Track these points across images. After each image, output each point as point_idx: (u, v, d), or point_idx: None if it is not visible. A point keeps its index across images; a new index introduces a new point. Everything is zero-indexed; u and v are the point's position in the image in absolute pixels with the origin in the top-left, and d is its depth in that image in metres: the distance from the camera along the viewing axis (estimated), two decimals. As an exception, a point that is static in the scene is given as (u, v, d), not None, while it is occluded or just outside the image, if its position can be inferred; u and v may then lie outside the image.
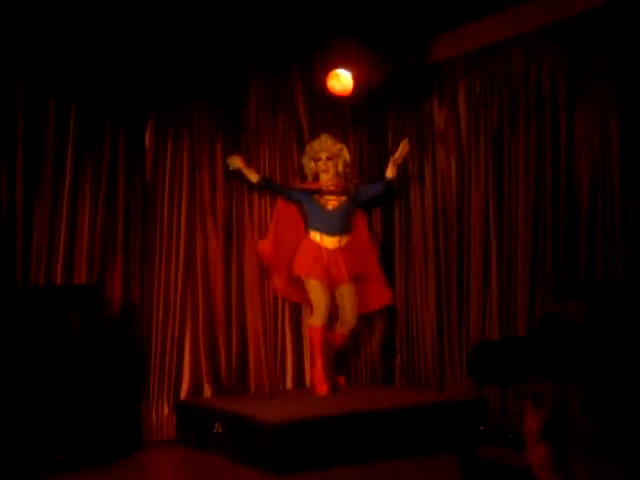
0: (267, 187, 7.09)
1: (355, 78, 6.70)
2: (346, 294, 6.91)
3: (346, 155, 7.04)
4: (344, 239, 6.91)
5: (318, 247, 6.88)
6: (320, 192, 6.95)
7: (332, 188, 6.95)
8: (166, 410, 6.63)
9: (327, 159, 6.95)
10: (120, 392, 6.37)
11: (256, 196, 7.18)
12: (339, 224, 6.91)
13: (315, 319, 6.83)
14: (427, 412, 6.20)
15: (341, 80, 6.74)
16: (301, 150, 7.29)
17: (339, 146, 7.03)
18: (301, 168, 7.23)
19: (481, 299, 6.51)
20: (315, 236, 6.93)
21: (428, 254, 7.01)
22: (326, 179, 6.97)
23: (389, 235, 7.44)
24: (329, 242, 6.88)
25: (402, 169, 7.18)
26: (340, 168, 6.99)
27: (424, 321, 7.05)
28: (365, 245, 7.17)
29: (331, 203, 6.92)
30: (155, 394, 6.64)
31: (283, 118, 7.28)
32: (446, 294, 6.83)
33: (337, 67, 6.70)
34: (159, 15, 6.16)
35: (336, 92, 6.79)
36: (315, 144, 7.02)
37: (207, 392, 6.83)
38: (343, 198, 6.95)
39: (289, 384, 7.20)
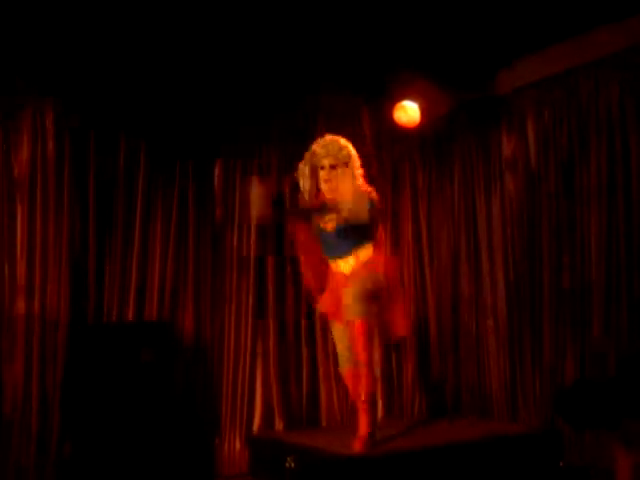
0: None
1: (422, 110, 6.68)
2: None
3: (355, 163, 5.60)
4: (362, 253, 5.62)
5: (336, 275, 5.68)
6: (321, 210, 5.61)
7: (334, 205, 5.56)
8: (238, 444, 6.66)
9: (331, 168, 5.57)
10: (193, 427, 6.42)
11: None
12: (346, 243, 5.60)
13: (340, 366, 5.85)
14: (498, 445, 6.10)
15: (408, 112, 6.72)
16: (370, 184, 7.22)
17: (346, 151, 5.60)
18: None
19: (554, 329, 6.42)
20: (332, 263, 5.72)
21: (498, 285, 6.93)
22: (328, 193, 5.59)
23: (456, 265, 7.34)
24: (344, 266, 5.64)
25: (470, 200, 7.13)
26: (346, 180, 5.56)
27: (494, 350, 6.97)
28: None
29: (329, 224, 5.58)
30: (227, 428, 6.68)
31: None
32: (518, 324, 6.74)
33: (404, 99, 6.69)
34: (226, 52, 6.22)
35: (403, 124, 6.77)
36: (318, 148, 5.62)
37: (279, 425, 6.84)
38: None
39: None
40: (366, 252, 5.60)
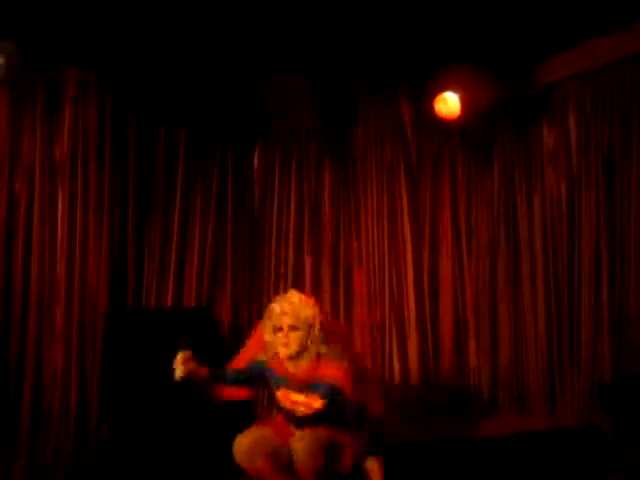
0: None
1: (463, 101, 6.65)
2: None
3: (317, 324, 4.71)
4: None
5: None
6: (283, 382, 4.82)
7: (297, 378, 4.75)
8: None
9: (289, 329, 4.67)
10: (229, 414, 6.43)
11: (363, 224, 7.22)
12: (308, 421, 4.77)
13: None
14: (537, 439, 6.06)
15: (448, 103, 6.69)
16: (410, 175, 7.31)
17: (310, 312, 4.71)
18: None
19: (592, 322, 6.37)
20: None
21: (537, 280, 6.89)
22: (284, 356, 4.73)
23: (494, 260, 7.30)
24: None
25: (510, 194, 7.09)
26: (309, 345, 4.69)
27: (532, 345, 6.93)
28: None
29: (300, 410, 4.74)
30: (263, 415, 6.69)
31: (391, 141, 7.28)
32: (556, 320, 6.69)
33: (445, 90, 6.67)
34: (268, 43, 6.24)
35: (443, 116, 6.74)
36: (275, 304, 4.77)
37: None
38: (318, 403, 4.71)
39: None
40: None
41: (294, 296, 4.81)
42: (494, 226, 7.27)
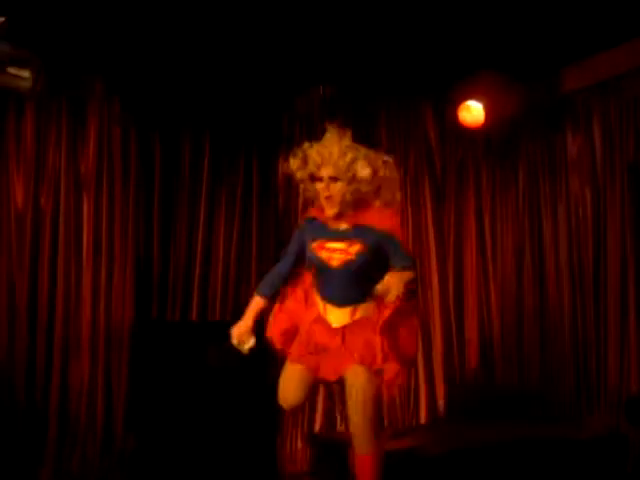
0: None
1: (487, 110, 6.64)
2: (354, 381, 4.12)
3: (364, 172, 4.06)
4: (360, 311, 4.17)
5: (318, 320, 4.27)
6: (322, 232, 4.22)
7: (339, 228, 4.18)
8: (300, 443, 6.67)
9: (330, 180, 4.08)
10: (255, 425, 6.45)
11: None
12: (349, 287, 4.16)
13: None
14: (564, 447, 6.03)
15: (472, 112, 6.67)
16: (434, 185, 7.29)
17: (351, 156, 4.06)
18: None
19: (619, 332, 6.33)
20: (318, 302, 4.29)
21: (563, 288, 6.85)
22: (329, 212, 4.14)
23: (520, 267, 7.26)
24: (335, 317, 4.21)
25: (535, 201, 7.06)
26: (349, 196, 4.09)
27: (559, 355, 6.89)
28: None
29: (336, 257, 4.15)
30: (289, 427, 6.70)
31: (415, 151, 7.27)
32: (582, 326, 6.65)
33: (468, 99, 6.65)
34: (289, 47, 6.23)
35: (467, 124, 6.73)
36: (313, 151, 4.13)
37: (341, 426, 6.84)
38: (357, 246, 4.10)
39: (422, 420, 7.12)
40: (365, 309, 4.17)
41: (335, 140, 4.13)
42: (519, 234, 7.24)
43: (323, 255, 4.17)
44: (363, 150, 4.12)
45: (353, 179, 4.05)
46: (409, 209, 7.22)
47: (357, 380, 4.07)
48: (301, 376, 4.29)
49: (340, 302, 4.19)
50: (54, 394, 6.14)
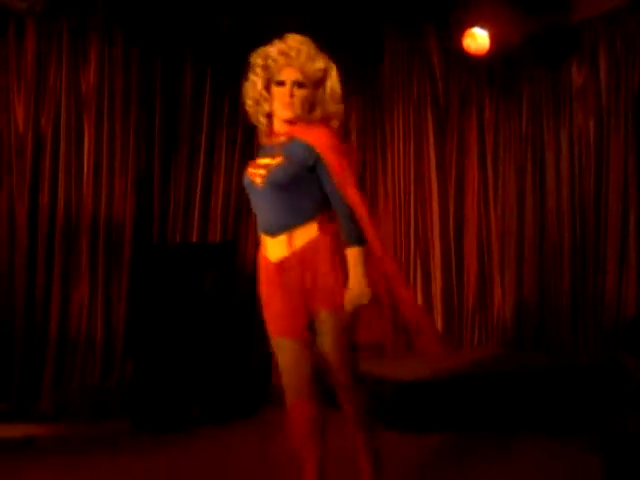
0: None
1: (491, 38, 6.56)
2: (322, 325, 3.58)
3: (334, 83, 3.68)
4: (298, 237, 3.57)
5: (265, 262, 3.70)
6: (260, 152, 3.79)
7: (274, 143, 3.71)
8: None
9: (294, 85, 3.62)
10: (251, 349, 6.51)
11: (389, 162, 7.22)
12: (279, 210, 3.58)
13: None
14: (559, 375, 6.07)
15: (477, 39, 6.60)
16: (437, 114, 7.23)
17: (323, 63, 3.66)
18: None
19: (618, 263, 6.34)
20: (262, 238, 3.72)
21: (563, 218, 6.84)
22: (283, 114, 3.65)
23: (522, 198, 7.24)
24: (272, 249, 3.63)
25: (538, 132, 7.01)
26: (308, 105, 3.65)
27: (557, 287, 6.91)
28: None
29: (259, 173, 3.64)
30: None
31: (418, 79, 7.21)
32: (581, 258, 6.66)
33: (473, 26, 6.57)
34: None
35: (471, 52, 6.66)
36: (274, 50, 3.69)
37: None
38: (279, 159, 3.60)
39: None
40: (305, 233, 3.57)
41: (299, 41, 3.69)
42: (521, 163, 7.21)
43: (250, 174, 3.68)
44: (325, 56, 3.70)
45: (318, 87, 3.65)
46: (412, 137, 7.20)
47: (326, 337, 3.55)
48: (289, 351, 3.61)
49: (273, 230, 3.59)
50: (54, 317, 6.17)
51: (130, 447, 5.30)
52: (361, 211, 3.52)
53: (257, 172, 3.63)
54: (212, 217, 6.67)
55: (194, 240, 6.58)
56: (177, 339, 5.87)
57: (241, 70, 6.09)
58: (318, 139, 3.57)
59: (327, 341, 3.55)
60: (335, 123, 3.71)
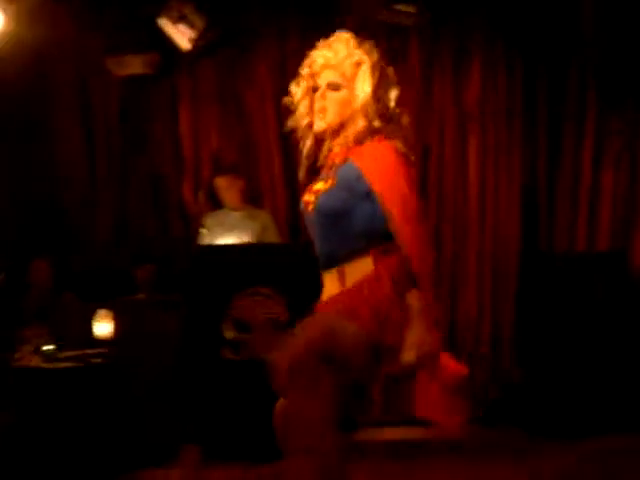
0: None
1: None
2: None
3: (364, 80, 2.97)
4: (350, 273, 2.94)
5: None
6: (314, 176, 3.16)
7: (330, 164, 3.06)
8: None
9: (329, 87, 3.00)
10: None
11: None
12: (328, 241, 3.01)
13: None
14: None
15: None
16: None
17: (358, 55, 2.98)
18: None
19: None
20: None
21: None
22: (316, 127, 3.05)
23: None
24: (325, 286, 3.04)
25: None
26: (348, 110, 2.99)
27: None
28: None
29: (311, 200, 3.05)
30: None
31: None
32: None
33: None
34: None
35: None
36: (316, 53, 3.07)
37: None
38: (329, 182, 2.99)
39: None
40: (357, 269, 2.94)
41: (338, 37, 3.06)
42: None
43: (304, 201, 3.10)
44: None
45: (358, 89, 2.97)
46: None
47: None
48: None
49: (324, 264, 3.05)
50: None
51: (525, 454, 5.25)
52: (418, 254, 2.84)
53: (309, 199, 3.06)
54: (599, 224, 6.45)
55: (580, 248, 6.42)
56: (567, 348, 5.76)
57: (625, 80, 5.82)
58: (368, 161, 2.93)
59: None
60: (396, 141, 2.94)
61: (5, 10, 5.85)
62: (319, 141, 3.06)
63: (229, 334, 5.00)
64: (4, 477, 4.50)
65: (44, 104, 6.84)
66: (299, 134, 3.08)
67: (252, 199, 6.21)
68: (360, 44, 3.00)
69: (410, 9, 6.05)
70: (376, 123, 2.93)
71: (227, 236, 5.90)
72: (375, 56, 2.98)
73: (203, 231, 5.93)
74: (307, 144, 3.08)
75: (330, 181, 2.96)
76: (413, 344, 2.75)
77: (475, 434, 5.73)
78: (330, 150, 3.04)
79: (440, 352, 2.81)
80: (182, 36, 6.22)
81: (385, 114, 2.95)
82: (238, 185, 6.08)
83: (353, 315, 2.82)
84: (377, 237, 2.90)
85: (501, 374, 6.32)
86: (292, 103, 3.08)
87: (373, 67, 2.96)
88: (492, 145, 6.39)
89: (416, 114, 6.33)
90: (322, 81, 2.99)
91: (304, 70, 3.06)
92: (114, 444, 5.06)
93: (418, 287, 2.79)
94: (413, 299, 2.79)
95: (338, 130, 2.99)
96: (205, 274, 5.38)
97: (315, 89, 3.02)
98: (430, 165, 6.41)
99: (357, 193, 2.90)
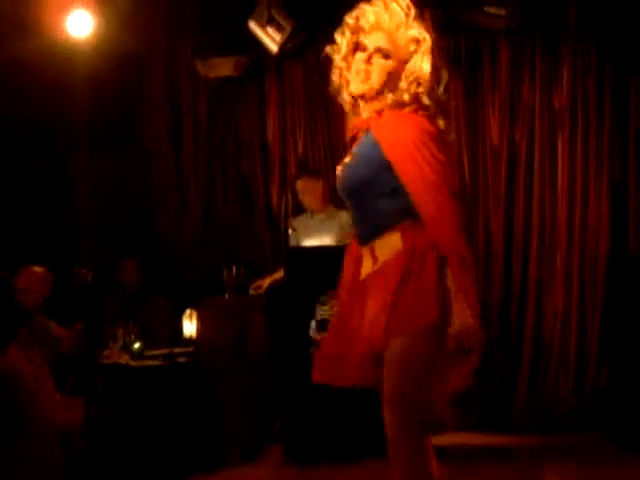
0: None
1: None
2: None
3: (422, 57, 2.90)
4: (379, 250, 2.90)
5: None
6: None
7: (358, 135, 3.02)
8: None
9: (378, 52, 2.90)
10: None
11: None
12: (358, 218, 3.02)
13: None
14: None
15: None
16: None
17: (417, 32, 2.90)
18: None
19: None
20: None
21: None
22: (352, 88, 2.97)
23: None
24: (363, 264, 2.98)
25: None
26: (401, 78, 2.91)
27: None
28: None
29: (340, 168, 3.04)
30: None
31: None
32: None
33: None
34: None
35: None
36: (369, 9, 2.94)
37: None
38: (349, 157, 3.02)
39: None
40: (386, 246, 2.88)
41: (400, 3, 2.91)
42: None
43: (337, 173, 3.04)
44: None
45: (406, 63, 2.88)
46: None
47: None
48: None
49: (361, 239, 2.98)
50: (529, 324, 6.31)
51: (606, 461, 5.17)
52: (440, 229, 2.75)
53: (339, 172, 3.02)
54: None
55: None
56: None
57: None
58: (386, 131, 2.86)
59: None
60: (423, 113, 2.86)
61: (98, 14, 5.98)
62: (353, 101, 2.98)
63: (315, 335, 5.03)
64: (89, 469, 4.61)
65: (135, 105, 7.00)
66: (336, 89, 3.00)
67: (337, 200, 6.25)
68: (419, 18, 2.90)
69: (501, 12, 5.99)
70: (425, 100, 2.86)
71: (309, 239, 5.99)
72: (433, 36, 2.89)
73: (291, 233, 5.99)
74: (346, 100, 2.99)
75: (350, 155, 2.95)
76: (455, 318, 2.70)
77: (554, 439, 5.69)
78: (358, 115, 2.97)
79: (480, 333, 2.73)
80: (271, 39, 6.27)
81: (432, 94, 2.88)
82: (317, 187, 6.11)
83: (426, 318, 2.72)
84: (402, 212, 2.83)
85: (588, 380, 6.20)
86: (334, 52, 2.98)
87: (433, 47, 2.88)
88: (581, 149, 6.28)
89: (504, 117, 6.35)
90: (370, 42, 2.89)
91: (348, 22, 2.93)
92: (196, 442, 5.15)
93: (450, 267, 2.71)
94: (449, 281, 2.73)
95: (375, 96, 2.91)
96: (294, 276, 5.50)
97: (358, 45, 2.92)
98: (518, 168, 6.36)
99: (375, 164, 2.84)
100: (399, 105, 2.86)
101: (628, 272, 6.00)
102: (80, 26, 5.98)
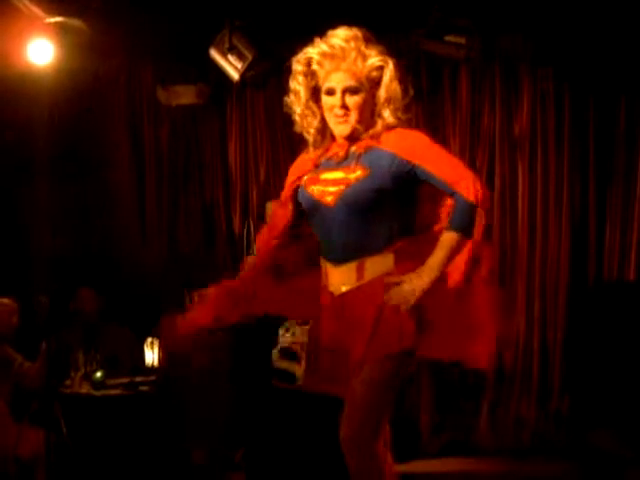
0: None
1: None
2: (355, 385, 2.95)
3: (391, 81, 3.02)
4: (370, 267, 3.00)
5: (323, 292, 3.16)
6: (317, 166, 3.16)
7: (339, 153, 3.08)
8: None
9: (346, 92, 3.00)
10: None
11: None
12: (351, 234, 3.01)
13: None
14: None
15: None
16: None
17: (378, 60, 3.01)
18: None
19: None
20: (323, 265, 3.16)
21: None
22: (341, 132, 3.06)
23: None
24: (335, 279, 3.07)
25: None
26: (368, 112, 3.05)
27: None
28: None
29: (331, 190, 3.05)
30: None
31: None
32: None
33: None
34: None
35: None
36: (315, 52, 3.02)
37: None
38: (359, 171, 3.01)
39: None
40: (378, 263, 2.98)
41: (341, 37, 3.00)
42: None
43: (313, 192, 3.07)
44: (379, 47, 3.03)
45: (378, 87, 3.00)
46: None
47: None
48: None
49: (338, 257, 3.01)
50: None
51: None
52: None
53: (325, 189, 3.01)
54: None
55: (632, 277, 6.32)
56: (617, 379, 5.68)
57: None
58: (396, 143, 2.99)
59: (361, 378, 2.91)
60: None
61: (58, 43, 5.95)
62: (323, 134, 3.11)
63: (278, 364, 5.01)
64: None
65: (95, 134, 6.96)
66: (301, 127, 3.13)
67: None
68: (369, 43, 3.00)
69: (461, 40, 6.05)
70: (402, 116, 3.01)
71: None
72: (391, 56, 3.03)
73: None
74: (312, 134, 3.12)
75: (359, 170, 2.98)
76: None
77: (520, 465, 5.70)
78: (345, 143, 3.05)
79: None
80: (232, 67, 6.29)
81: (406, 106, 3.04)
82: None
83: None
84: (401, 230, 2.98)
85: (550, 405, 6.24)
86: (293, 103, 3.10)
87: (396, 67, 3.00)
88: (541, 174, 6.34)
89: (465, 143, 6.40)
90: (336, 85, 2.98)
91: (299, 69, 3.03)
92: (158, 472, 5.09)
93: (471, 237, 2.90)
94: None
95: (363, 130, 3.02)
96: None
97: (316, 88, 3.04)
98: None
99: (396, 176, 2.94)
100: (389, 128, 3.01)
101: (589, 301, 6.05)
102: (40, 54, 5.93)
